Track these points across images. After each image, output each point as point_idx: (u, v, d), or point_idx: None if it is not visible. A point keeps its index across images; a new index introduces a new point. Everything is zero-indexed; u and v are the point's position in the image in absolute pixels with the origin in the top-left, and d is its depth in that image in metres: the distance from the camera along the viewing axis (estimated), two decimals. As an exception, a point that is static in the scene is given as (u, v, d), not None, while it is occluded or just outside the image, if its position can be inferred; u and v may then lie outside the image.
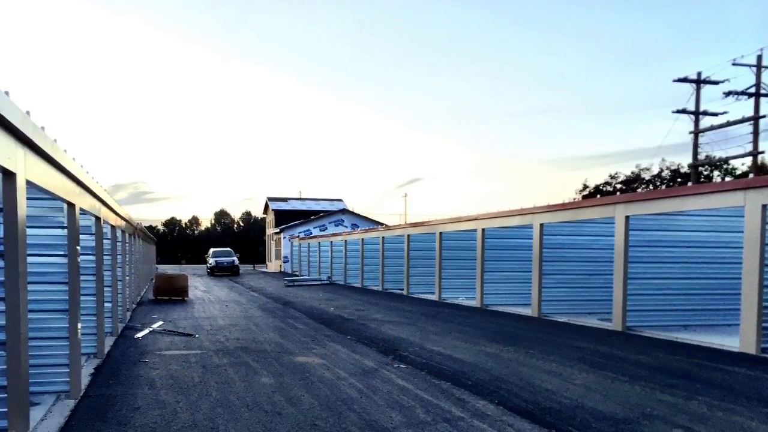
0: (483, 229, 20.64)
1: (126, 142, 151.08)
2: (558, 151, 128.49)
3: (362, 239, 32.48)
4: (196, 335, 13.95)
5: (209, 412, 7.43)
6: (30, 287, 5.89)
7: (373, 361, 10.83)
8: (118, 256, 14.50)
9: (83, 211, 9.22)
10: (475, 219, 21.17)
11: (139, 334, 13.88)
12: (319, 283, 35.54)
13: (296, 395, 8.26)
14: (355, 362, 10.67)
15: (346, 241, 35.32)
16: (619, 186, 57.51)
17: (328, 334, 14.24)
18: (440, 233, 23.87)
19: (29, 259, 5.83)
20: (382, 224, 47.21)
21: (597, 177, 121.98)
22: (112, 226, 13.43)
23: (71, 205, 8.25)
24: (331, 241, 39.13)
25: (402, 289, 27.53)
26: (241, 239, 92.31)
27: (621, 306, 14.57)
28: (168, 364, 10.45)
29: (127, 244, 17.61)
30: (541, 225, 17.59)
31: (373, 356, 11.30)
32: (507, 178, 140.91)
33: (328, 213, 57.66)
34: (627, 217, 14.58)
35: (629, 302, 14.61)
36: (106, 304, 11.73)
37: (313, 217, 56.36)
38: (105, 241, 11.90)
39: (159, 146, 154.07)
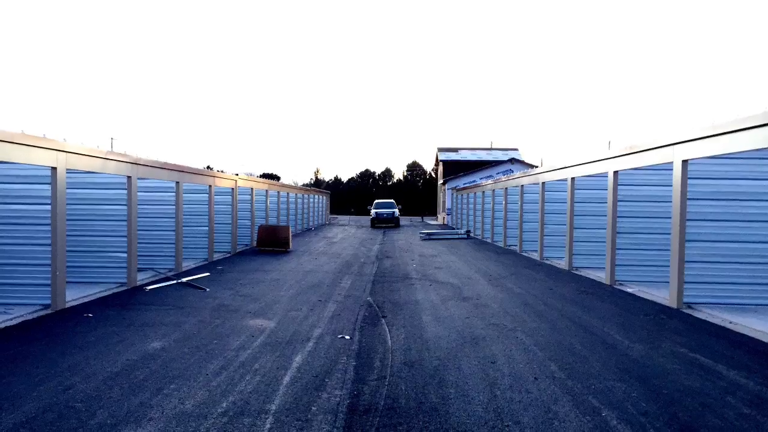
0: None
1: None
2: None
3: (521, 186, 24.48)
4: (207, 289, 12.41)
5: None
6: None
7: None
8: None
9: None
10: None
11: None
12: (457, 237, 32.62)
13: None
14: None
15: (506, 189, 28.05)
16: None
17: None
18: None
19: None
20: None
21: None
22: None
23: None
24: (488, 191, 34.04)
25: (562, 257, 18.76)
26: (424, 191, 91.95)
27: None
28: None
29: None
30: None
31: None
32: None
33: (498, 163, 53.61)
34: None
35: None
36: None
37: (479, 168, 52.83)
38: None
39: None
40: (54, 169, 10.18)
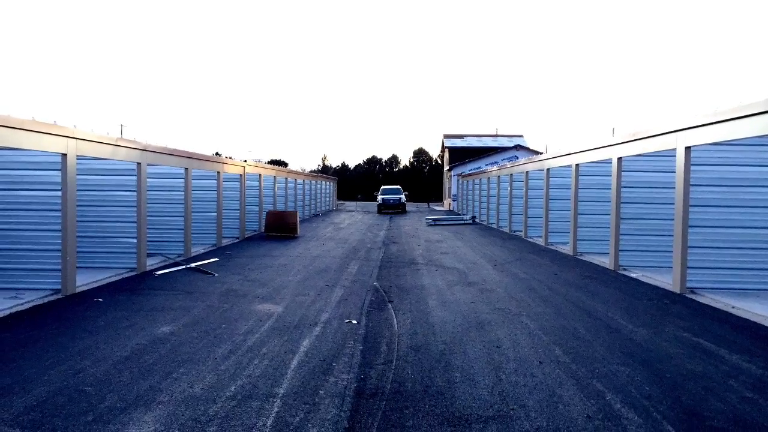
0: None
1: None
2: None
3: (526, 172, 24.68)
4: (215, 274, 12.53)
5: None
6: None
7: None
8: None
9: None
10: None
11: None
12: (462, 223, 32.64)
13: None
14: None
15: (511, 175, 28.67)
16: None
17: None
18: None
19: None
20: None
21: None
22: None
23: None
24: (493, 177, 34.68)
25: (567, 243, 18.50)
26: (430, 178, 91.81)
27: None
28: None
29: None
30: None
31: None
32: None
33: (503, 149, 53.50)
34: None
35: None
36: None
37: (485, 155, 52.76)
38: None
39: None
40: (64, 155, 10.28)
